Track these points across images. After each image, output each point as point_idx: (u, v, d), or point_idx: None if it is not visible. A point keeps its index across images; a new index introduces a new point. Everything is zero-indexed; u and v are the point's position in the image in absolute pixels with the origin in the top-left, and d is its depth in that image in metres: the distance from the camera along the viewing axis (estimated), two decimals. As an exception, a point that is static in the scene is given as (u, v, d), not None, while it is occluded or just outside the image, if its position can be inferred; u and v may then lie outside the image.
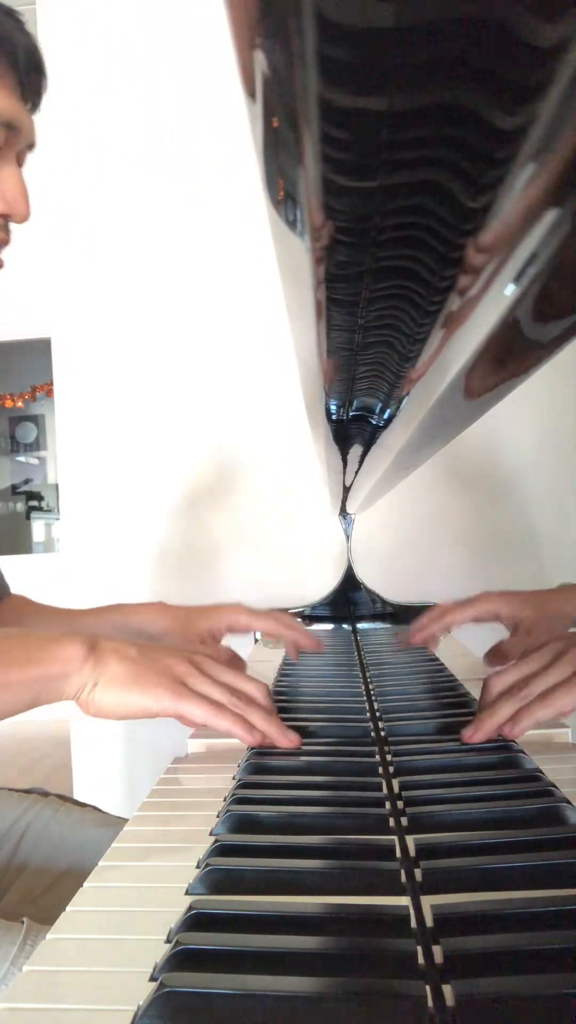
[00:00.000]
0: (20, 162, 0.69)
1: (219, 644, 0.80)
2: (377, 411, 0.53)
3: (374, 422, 0.56)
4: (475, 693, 0.73)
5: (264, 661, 0.95)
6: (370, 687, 0.77)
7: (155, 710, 0.53)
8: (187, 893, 0.36)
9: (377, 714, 0.66)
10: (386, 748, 0.56)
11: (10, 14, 0.65)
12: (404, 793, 0.46)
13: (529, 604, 0.75)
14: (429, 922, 0.31)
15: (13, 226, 0.70)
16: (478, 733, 0.54)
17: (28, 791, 0.88)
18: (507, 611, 0.75)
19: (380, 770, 0.51)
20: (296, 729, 0.58)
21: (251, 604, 0.83)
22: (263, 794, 0.47)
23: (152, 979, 0.29)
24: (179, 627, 0.80)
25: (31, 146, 0.70)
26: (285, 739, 0.56)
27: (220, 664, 0.59)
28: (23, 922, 0.57)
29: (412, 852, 0.38)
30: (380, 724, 0.63)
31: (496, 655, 0.75)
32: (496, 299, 0.28)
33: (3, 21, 0.64)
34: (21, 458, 6.55)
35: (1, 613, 0.90)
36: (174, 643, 0.79)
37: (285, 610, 1.21)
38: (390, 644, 1.04)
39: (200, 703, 0.53)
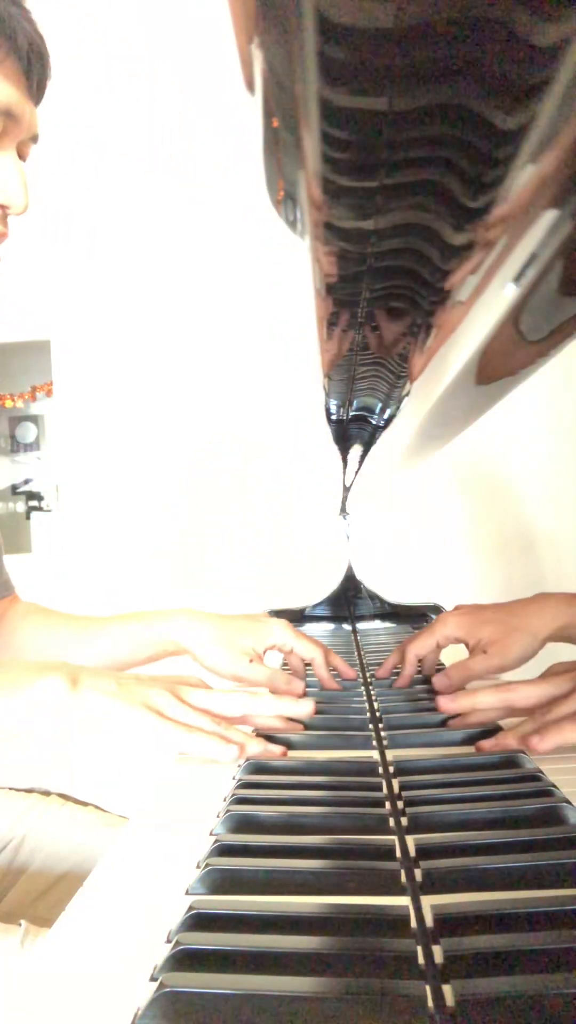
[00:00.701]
0: (23, 154, 0.68)
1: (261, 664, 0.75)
2: (377, 411, 0.53)
3: (374, 422, 0.56)
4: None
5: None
6: (370, 687, 0.77)
7: (131, 741, 0.54)
8: (187, 893, 0.36)
9: (377, 714, 0.66)
10: (386, 748, 0.56)
11: (15, 2, 0.64)
12: (404, 793, 0.46)
13: (490, 622, 0.70)
14: (429, 922, 0.31)
15: (13, 222, 0.69)
16: (499, 747, 0.54)
17: (29, 791, 0.88)
18: (463, 634, 0.72)
19: (380, 770, 0.51)
20: (295, 730, 0.58)
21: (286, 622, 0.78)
22: (263, 794, 0.47)
23: (152, 979, 0.29)
24: (224, 641, 0.74)
25: (35, 138, 0.69)
26: (264, 752, 0.55)
27: (201, 689, 0.59)
28: (21, 924, 0.57)
29: (412, 852, 0.38)
30: (380, 724, 0.63)
31: (444, 676, 0.69)
32: (496, 299, 0.28)
33: (7, 8, 0.62)
34: (21, 458, 6.55)
35: (8, 617, 0.89)
36: (217, 661, 0.73)
37: (280, 616, 1.21)
38: (390, 644, 1.04)
39: (170, 730, 0.53)
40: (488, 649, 0.67)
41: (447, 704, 0.59)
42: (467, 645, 0.72)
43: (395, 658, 0.77)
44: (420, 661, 0.76)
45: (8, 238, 0.70)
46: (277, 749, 0.56)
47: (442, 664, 0.84)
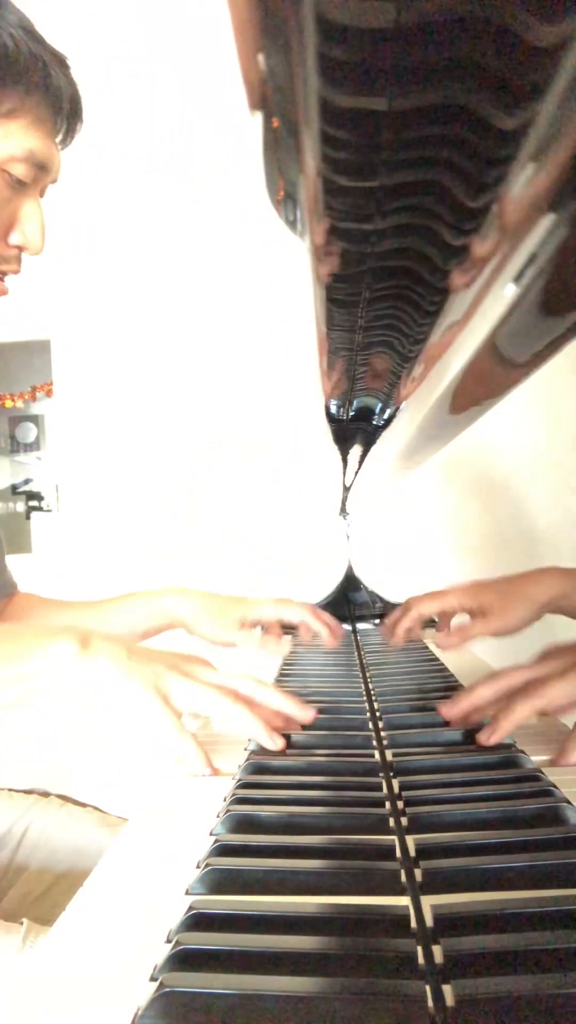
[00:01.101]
0: (41, 194, 0.71)
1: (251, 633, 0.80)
2: (377, 411, 0.53)
3: (374, 422, 0.56)
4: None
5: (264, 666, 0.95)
6: (370, 687, 0.77)
7: (129, 715, 0.53)
8: (187, 893, 0.36)
9: (377, 714, 0.66)
10: (386, 748, 0.56)
11: (60, 62, 0.67)
12: (404, 793, 0.46)
13: (491, 590, 0.74)
14: (429, 922, 0.31)
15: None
16: (495, 735, 0.54)
17: (29, 791, 0.88)
18: (467, 600, 0.75)
19: (380, 770, 0.51)
20: (295, 730, 0.58)
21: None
22: (263, 794, 0.47)
23: (152, 979, 0.29)
24: (215, 611, 0.79)
25: (54, 181, 0.72)
26: (272, 742, 0.56)
27: (209, 667, 0.60)
28: (23, 923, 0.57)
29: (412, 852, 0.38)
30: (380, 724, 0.63)
31: (450, 631, 0.73)
32: (495, 298, 0.28)
33: (54, 70, 0.65)
34: (21, 458, 6.55)
35: (9, 610, 0.90)
36: (209, 629, 0.78)
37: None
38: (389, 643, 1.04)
39: (167, 719, 0.53)
40: (488, 614, 0.70)
41: (449, 710, 0.59)
42: (470, 613, 0.74)
43: (399, 613, 0.81)
44: (421, 622, 0.80)
45: (19, 274, 0.72)
46: (280, 741, 0.56)
47: (443, 664, 0.84)
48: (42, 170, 0.68)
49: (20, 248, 0.70)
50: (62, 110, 0.67)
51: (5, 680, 0.52)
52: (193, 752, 0.53)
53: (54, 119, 0.67)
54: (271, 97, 0.18)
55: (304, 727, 0.60)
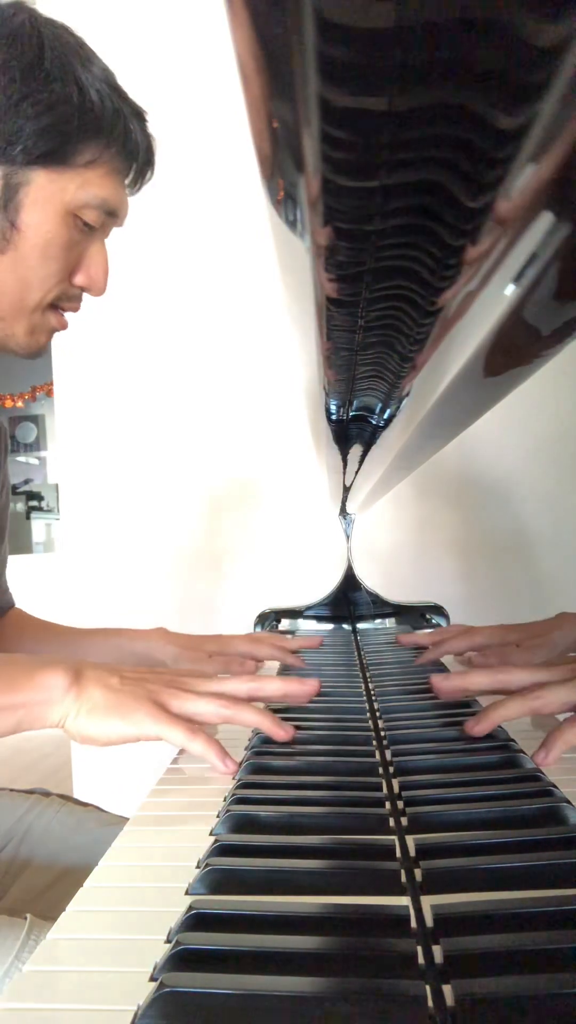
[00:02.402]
0: (105, 235, 0.74)
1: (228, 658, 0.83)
2: (377, 411, 0.53)
3: (374, 422, 0.56)
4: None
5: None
6: (370, 687, 0.77)
7: (134, 735, 0.54)
8: (187, 893, 0.36)
9: (377, 714, 0.66)
10: (386, 748, 0.56)
11: (138, 115, 0.70)
12: (404, 793, 0.46)
13: (517, 631, 0.79)
14: (429, 922, 0.31)
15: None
16: (480, 725, 0.55)
17: (30, 791, 0.88)
18: (496, 641, 0.80)
19: (380, 770, 0.51)
20: (296, 728, 0.58)
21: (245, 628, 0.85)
22: (263, 794, 0.47)
23: (152, 979, 0.29)
24: (190, 651, 0.83)
25: (120, 225, 0.75)
26: (276, 729, 0.57)
27: (204, 679, 0.61)
28: (26, 918, 0.57)
29: (412, 852, 0.38)
30: (380, 724, 0.63)
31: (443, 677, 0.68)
32: (496, 299, 0.28)
33: (133, 124, 0.69)
34: (21, 458, 6.57)
35: (5, 627, 0.91)
36: (183, 665, 0.82)
37: (279, 617, 1.21)
38: (390, 644, 1.04)
39: (176, 727, 0.53)
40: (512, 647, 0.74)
41: (440, 683, 0.61)
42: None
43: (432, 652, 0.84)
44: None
45: (78, 312, 0.75)
46: (289, 730, 0.57)
47: (443, 664, 0.85)
48: (111, 216, 0.71)
49: (83, 288, 0.73)
50: (137, 162, 0.71)
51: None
52: (206, 752, 0.53)
53: (129, 170, 0.71)
54: (270, 97, 0.18)
55: (304, 727, 0.60)
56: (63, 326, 0.75)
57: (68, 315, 0.75)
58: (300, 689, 0.61)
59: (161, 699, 0.55)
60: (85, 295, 0.74)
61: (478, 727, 0.55)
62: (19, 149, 0.63)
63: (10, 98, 0.62)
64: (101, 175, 0.68)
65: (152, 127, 0.73)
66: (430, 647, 0.85)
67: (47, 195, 0.66)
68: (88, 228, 0.69)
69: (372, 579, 1.25)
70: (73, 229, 0.68)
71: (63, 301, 0.72)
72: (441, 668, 0.83)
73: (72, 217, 0.68)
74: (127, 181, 0.71)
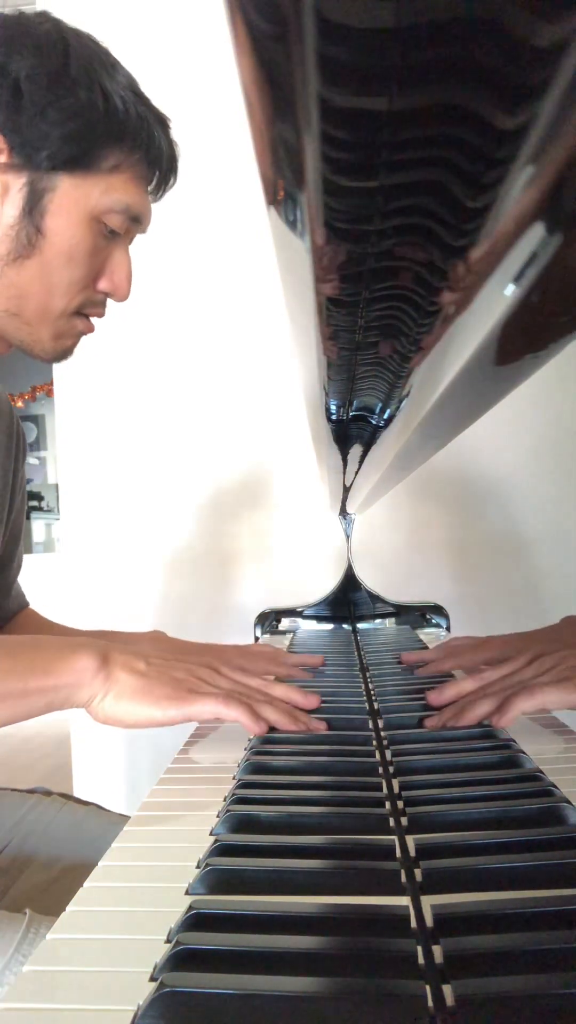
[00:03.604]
0: (130, 241, 0.74)
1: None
2: (377, 411, 0.53)
3: (374, 422, 0.56)
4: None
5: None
6: (370, 687, 0.77)
7: (161, 719, 0.56)
8: (187, 893, 0.36)
9: (377, 714, 0.66)
10: (386, 748, 0.56)
11: (162, 122, 0.71)
12: (404, 793, 0.46)
13: (526, 639, 0.76)
14: (429, 922, 0.31)
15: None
16: (463, 718, 0.57)
17: (31, 791, 0.88)
18: (511, 653, 0.78)
19: (380, 770, 0.51)
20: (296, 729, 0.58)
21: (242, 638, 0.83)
22: (263, 794, 0.47)
23: (152, 979, 0.29)
24: (181, 656, 0.84)
25: (143, 231, 0.75)
26: (293, 724, 0.58)
27: (229, 665, 0.62)
28: (26, 913, 0.57)
29: (412, 852, 0.38)
30: (380, 724, 0.63)
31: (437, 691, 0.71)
32: (495, 299, 0.28)
33: (156, 131, 0.70)
34: (21, 458, 6.57)
35: (14, 627, 0.91)
36: None
37: (279, 617, 1.21)
38: (390, 644, 1.04)
39: (204, 699, 0.56)
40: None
41: (436, 697, 0.63)
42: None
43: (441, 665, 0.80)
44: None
45: (103, 317, 0.76)
46: (305, 722, 0.59)
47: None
48: (135, 222, 0.71)
49: (107, 294, 0.73)
50: (161, 168, 0.71)
51: (30, 691, 0.54)
52: (240, 715, 0.56)
53: (153, 176, 0.71)
54: (270, 97, 0.18)
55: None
56: (89, 330, 0.75)
57: (94, 320, 0.75)
58: (301, 701, 0.62)
59: (188, 683, 0.57)
60: (109, 301, 0.75)
61: (502, 721, 0.56)
62: (44, 155, 0.64)
63: (36, 105, 0.63)
64: (125, 181, 0.68)
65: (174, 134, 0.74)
66: (436, 662, 0.81)
67: (72, 200, 0.66)
68: (112, 234, 0.70)
69: (372, 579, 1.25)
70: (98, 235, 0.69)
71: (88, 307, 0.73)
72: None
73: (96, 223, 0.68)
74: (150, 188, 0.72)
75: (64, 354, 0.75)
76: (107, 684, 0.55)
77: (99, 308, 0.74)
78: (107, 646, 0.58)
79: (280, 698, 0.62)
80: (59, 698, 0.55)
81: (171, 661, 0.60)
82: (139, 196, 0.70)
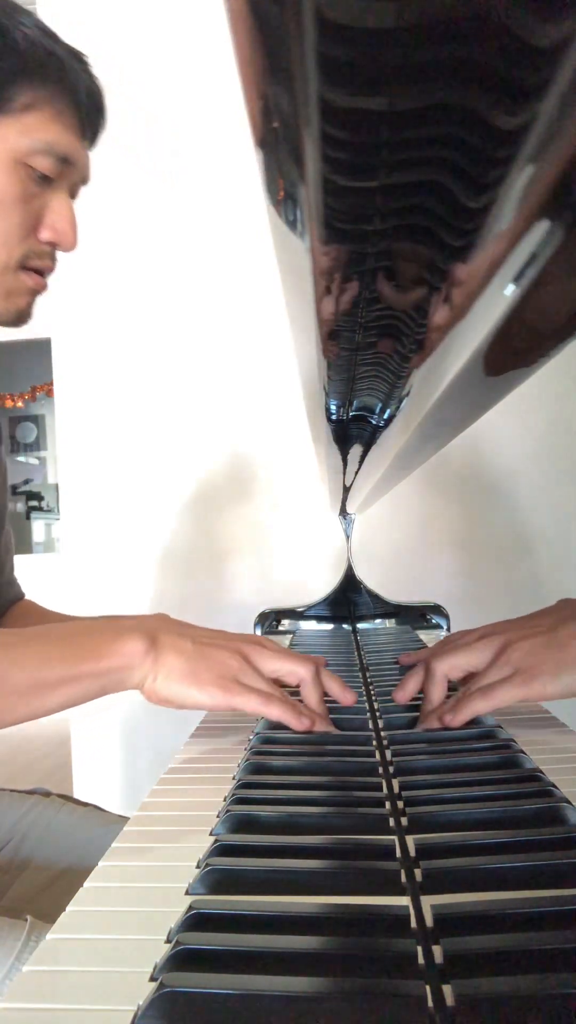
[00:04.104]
0: (73, 195, 0.72)
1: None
2: (377, 411, 0.53)
3: (374, 422, 0.56)
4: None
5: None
6: (370, 687, 0.77)
7: (208, 705, 0.57)
8: (187, 893, 0.36)
9: (377, 714, 0.66)
10: (386, 748, 0.56)
11: (76, 56, 0.68)
12: (404, 793, 0.46)
13: (502, 627, 0.69)
14: (429, 922, 0.31)
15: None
16: (425, 723, 0.60)
17: (30, 792, 0.88)
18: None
19: (380, 770, 0.51)
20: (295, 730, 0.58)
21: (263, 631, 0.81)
22: (263, 794, 0.47)
23: (152, 979, 0.29)
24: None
25: (84, 180, 0.73)
26: (327, 726, 0.60)
27: (271, 652, 0.62)
28: (26, 919, 0.57)
29: (412, 852, 0.38)
30: (380, 724, 0.63)
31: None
32: (495, 299, 0.28)
33: (70, 62, 0.67)
34: (21, 458, 6.56)
35: (12, 617, 0.91)
36: None
37: (279, 617, 1.21)
38: (390, 644, 1.04)
39: (249, 696, 0.57)
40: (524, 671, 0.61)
41: (400, 695, 0.65)
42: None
43: (422, 680, 0.68)
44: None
45: (54, 271, 0.73)
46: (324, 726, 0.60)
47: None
48: (66, 164, 0.68)
49: (52, 244, 0.71)
50: (82, 104, 0.68)
51: (82, 676, 0.54)
52: (283, 716, 0.57)
53: (75, 114, 0.68)
54: (271, 97, 0.18)
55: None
56: (41, 287, 0.73)
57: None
58: (344, 697, 0.63)
59: (232, 666, 0.58)
60: (60, 254, 0.73)
61: (454, 721, 0.57)
62: None
63: None
64: (43, 120, 0.66)
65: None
66: (428, 682, 0.68)
67: None
68: (44, 180, 0.67)
69: (372, 579, 1.25)
70: (27, 180, 0.66)
71: (33, 259, 0.70)
72: None
73: (22, 167, 0.66)
74: (80, 131, 0.69)
75: (20, 316, 0.72)
76: (156, 667, 0.56)
77: (46, 261, 0.71)
78: (155, 627, 0.59)
79: (327, 684, 0.63)
80: (112, 681, 0.56)
81: (218, 639, 0.61)
82: (62, 135, 0.67)
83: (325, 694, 0.64)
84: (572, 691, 0.56)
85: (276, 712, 0.57)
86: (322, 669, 0.64)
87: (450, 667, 0.62)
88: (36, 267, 0.71)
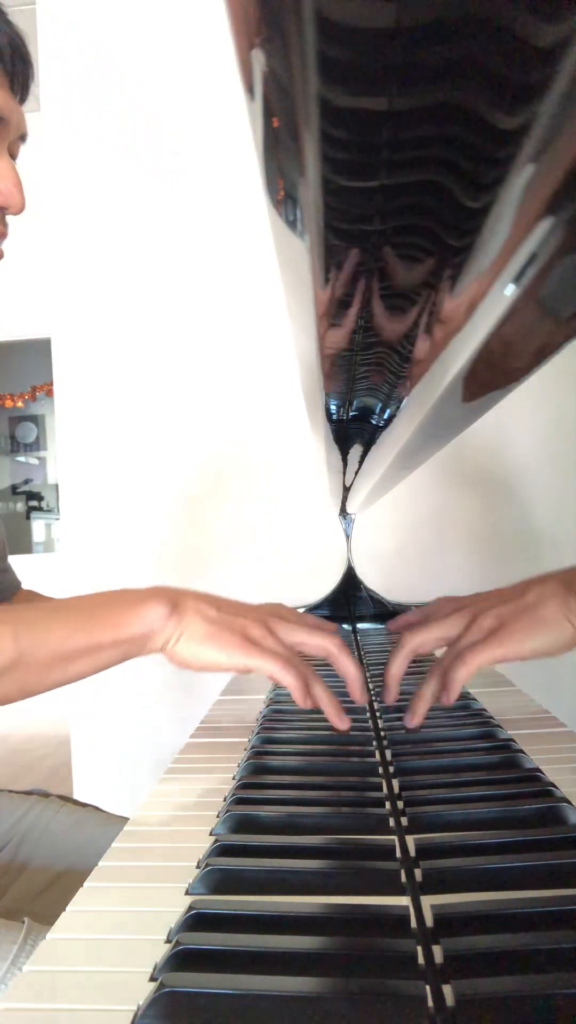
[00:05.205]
0: (14, 153, 0.70)
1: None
2: (377, 411, 0.53)
3: (374, 422, 0.56)
4: (475, 692, 0.73)
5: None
6: (370, 687, 0.77)
7: (227, 665, 0.57)
8: (187, 893, 0.36)
9: (377, 714, 0.66)
10: (386, 748, 0.56)
11: None
12: (404, 793, 0.46)
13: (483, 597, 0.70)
14: (429, 922, 0.31)
15: (12, 221, 0.71)
16: (415, 718, 0.58)
17: (29, 792, 0.88)
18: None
19: (380, 770, 0.51)
20: (295, 730, 0.58)
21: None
22: (263, 794, 0.47)
23: (152, 979, 0.29)
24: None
25: (23, 137, 0.70)
26: (337, 718, 0.58)
27: (293, 624, 0.61)
28: (24, 921, 0.57)
29: (412, 852, 0.38)
30: (380, 724, 0.63)
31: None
32: (496, 299, 0.28)
33: None
34: (21, 458, 6.57)
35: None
36: None
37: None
38: (390, 644, 1.04)
39: (268, 658, 0.56)
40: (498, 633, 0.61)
41: (387, 699, 0.63)
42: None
43: (404, 660, 0.68)
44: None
45: (7, 237, 0.71)
46: (347, 721, 0.58)
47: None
48: (1, 123, 0.66)
49: (1, 208, 0.68)
50: (5, 56, 0.65)
51: (104, 646, 0.55)
52: (294, 686, 0.56)
53: (1, 67, 0.65)
54: (271, 97, 0.18)
55: (305, 727, 0.60)
56: None
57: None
58: (360, 690, 0.61)
59: (254, 634, 0.58)
60: (12, 220, 0.70)
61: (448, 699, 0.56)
62: None
63: None
64: None
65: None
66: (401, 658, 0.68)
67: None
68: None
69: (374, 578, 1.25)
70: None
71: None
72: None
73: None
74: (8, 85, 0.66)
75: None
76: (179, 628, 0.57)
77: None
78: (178, 592, 0.59)
79: (345, 672, 0.61)
80: (135, 648, 0.56)
81: (242, 609, 0.61)
82: None
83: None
84: (545, 649, 0.55)
85: (290, 680, 0.56)
86: (344, 646, 0.62)
87: (422, 640, 0.62)
88: None
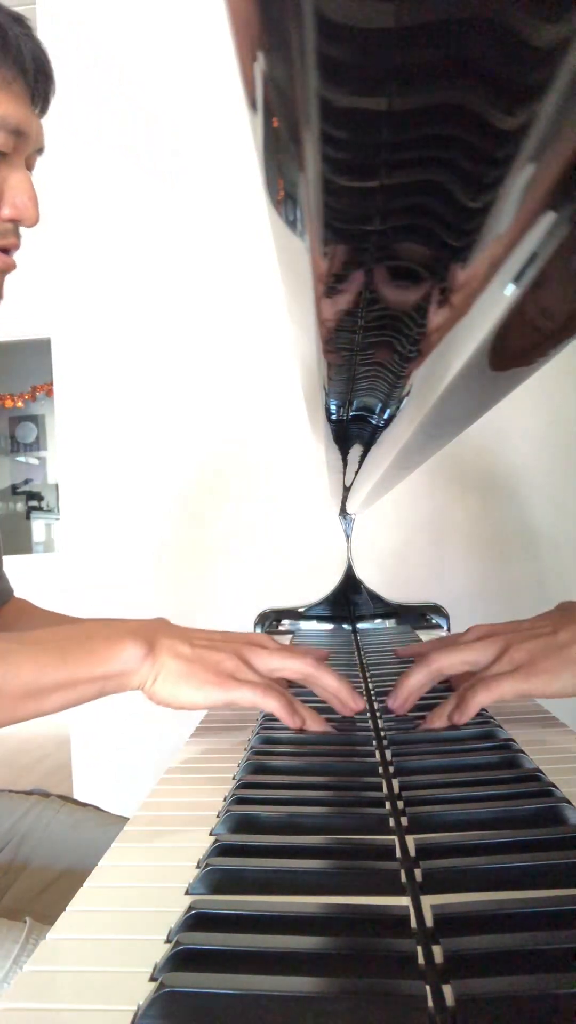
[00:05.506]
0: (30, 166, 0.70)
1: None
2: (377, 411, 0.53)
3: (374, 422, 0.56)
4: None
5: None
6: (370, 687, 0.77)
7: (203, 703, 0.58)
8: (187, 893, 0.36)
9: (377, 714, 0.66)
10: (386, 748, 0.56)
11: (18, 20, 0.66)
12: (404, 793, 0.46)
13: (501, 630, 0.73)
14: (429, 922, 0.31)
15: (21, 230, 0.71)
16: (436, 722, 0.59)
17: (29, 792, 0.88)
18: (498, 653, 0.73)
19: (380, 770, 0.51)
20: (295, 730, 0.58)
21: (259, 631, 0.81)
22: (263, 794, 0.47)
23: (152, 979, 0.29)
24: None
25: (40, 150, 0.71)
26: (321, 727, 0.59)
27: (269, 651, 0.62)
28: (26, 921, 0.57)
29: (412, 852, 0.38)
30: (380, 724, 0.63)
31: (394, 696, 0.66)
32: (495, 299, 0.28)
33: (11, 28, 0.65)
34: (21, 458, 6.57)
35: (4, 616, 0.90)
36: None
37: (279, 618, 1.21)
38: (390, 644, 1.04)
39: (245, 688, 0.57)
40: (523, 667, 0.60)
41: (393, 702, 0.63)
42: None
43: (426, 676, 0.65)
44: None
45: (20, 248, 0.71)
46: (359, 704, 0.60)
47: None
48: (20, 137, 0.66)
49: (13, 220, 0.69)
50: (27, 70, 0.66)
51: (79, 681, 0.55)
52: (278, 709, 0.57)
53: (23, 82, 0.66)
54: (271, 97, 0.18)
55: (304, 727, 0.60)
56: (8, 266, 0.71)
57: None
58: (350, 698, 0.62)
59: (228, 667, 0.58)
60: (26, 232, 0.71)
61: (462, 719, 0.57)
62: None
63: None
64: None
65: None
66: (426, 678, 0.66)
67: None
68: None
69: (374, 578, 1.25)
70: None
71: None
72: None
73: None
74: (29, 99, 0.67)
75: None
76: (154, 669, 0.57)
77: (10, 238, 0.69)
78: (154, 631, 0.59)
79: (328, 687, 0.62)
80: (111, 685, 0.57)
81: (217, 641, 0.61)
82: (13, 107, 0.65)
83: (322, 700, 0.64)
84: (571, 691, 0.56)
85: (272, 704, 0.57)
86: (322, 663, 0.63)
87: (450, 663, 0.62)
88: (0, 246, 0.69)
